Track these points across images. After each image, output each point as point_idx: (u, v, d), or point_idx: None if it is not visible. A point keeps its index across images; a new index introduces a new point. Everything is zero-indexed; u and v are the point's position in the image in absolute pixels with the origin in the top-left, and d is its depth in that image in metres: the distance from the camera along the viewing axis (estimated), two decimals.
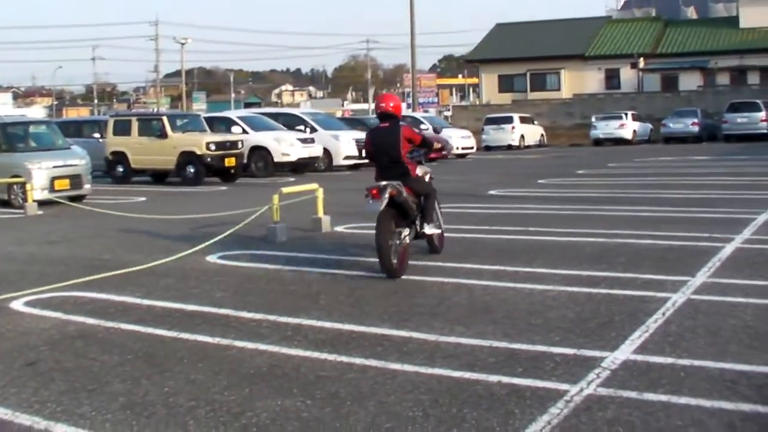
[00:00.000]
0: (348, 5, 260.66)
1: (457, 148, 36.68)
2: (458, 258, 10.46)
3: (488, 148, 46.53)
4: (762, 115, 44.52)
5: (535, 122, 52.23)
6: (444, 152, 12.17)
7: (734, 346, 6.30)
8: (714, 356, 6.04)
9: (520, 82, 68.52)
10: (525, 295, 8.26)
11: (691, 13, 74.09)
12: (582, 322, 7.13)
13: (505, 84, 69.37)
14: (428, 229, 10.29)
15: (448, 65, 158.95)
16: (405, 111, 59.81)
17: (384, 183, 9.74)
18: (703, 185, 19.49)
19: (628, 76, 65.15)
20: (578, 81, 66.16)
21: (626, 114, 50.07)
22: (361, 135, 30.25)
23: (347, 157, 29.60)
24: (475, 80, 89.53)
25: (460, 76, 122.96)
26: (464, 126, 49.59)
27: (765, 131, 44.23)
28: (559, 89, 66.68)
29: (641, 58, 64.39)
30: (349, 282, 9.22)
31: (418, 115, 44.21)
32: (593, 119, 51.04)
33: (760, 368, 5.74)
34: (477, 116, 60.40)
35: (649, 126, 51.46)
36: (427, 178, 10.79)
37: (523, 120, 49.17)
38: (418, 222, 10.24)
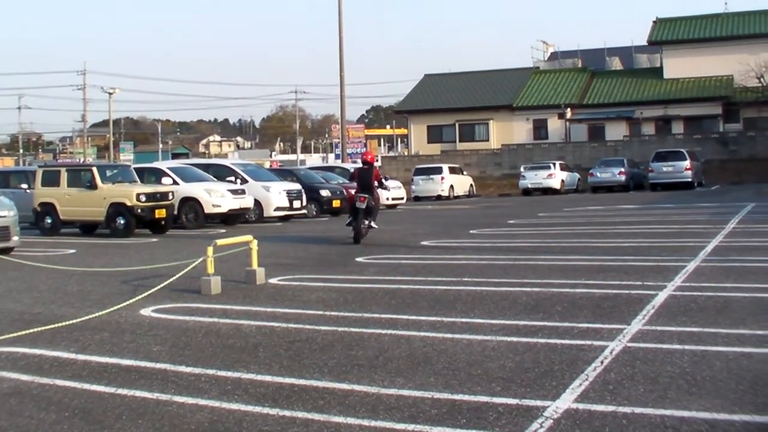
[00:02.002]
0: (276, 55, 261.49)
1: (387, 199, 36.88)
2: (395, 309, 10.47)
3: (417, 199, 46.81)
4: (686, 164, 45.39)
5: (464, 172, 52.72)
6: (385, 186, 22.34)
7: (673, 392, 6.35)
8: (654, 403, 6.09)
9: (449, 133, 69.16)
10: (464, 345, 8.26)
11: (616, 64, 75.53)
12: (522, 371, 7.15)
13: (434, 134, 70.01)
14: (373, 223, 20.60)
15: (377, 116, 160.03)
16: (333, 162, 60.68)
17: (367, 195, 20.04)
18: (632, 234, 19.76)
19: (555, 126, 66.17)
20: (506, 131, 67.03)
21: (554, 164, 50.68)
22: (292, 186, 30.41)
23: (278, 209, 29.58)
24: (403, 131, 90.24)
25: (388, 126, 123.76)
26: (393, 177, 49.85)
27: (690, 180, 45.14)
28: (487, 139, 67.47)
29: (568, 109, 65.46)
30: (287, 334, 9.16)
31: (348, 165, 44.32)
32: (522, 169, 51.61)
33: (699, 414, 5.80)
34: (406, 167, 60.92)
35: (577, 175, 52.22)
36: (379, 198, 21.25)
37: (452, 170, 49.55)
38: (371, 218, 20.35)
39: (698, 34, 66.68)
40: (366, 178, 20.58)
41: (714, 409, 5.89)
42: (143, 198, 24.19)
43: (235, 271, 13.93)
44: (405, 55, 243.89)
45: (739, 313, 9.36)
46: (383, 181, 21.86)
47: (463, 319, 9.58)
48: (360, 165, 21.94)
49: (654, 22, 69.87)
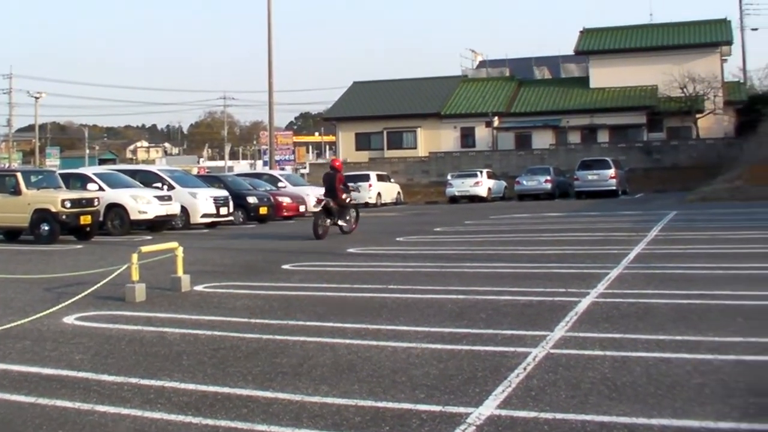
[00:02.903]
0: (204, 61, 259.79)
1: (315, 206, 36.92)
2: (321, 317, 10.46)
3: None
4: (611, 172, 46.02)
5: (392, 180, 52.88)
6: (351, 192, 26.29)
7: (594, 398, 6.43)
8: (575, 409, 6.16)
9: (377, 140, 69.25)
10: (389, 353, 8.29)
11: (543, 73, 76.18)
12: (446, 378, 7.19)
13: (362, 142, 70.05)
14: (340, 222, 23.91)
15: (305, 123, 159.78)
16: (261, 169, 60.45)
17: (325, 198, 23.41)
18: (557, 241, 19.97)
19: (482, 134, 66.57)
20: (434, 139, 67.29)
21: (481, 172, 51.01)
22: (219, 193, 30.27)
23: (205, 215, 29.44)
24: (332, 138, 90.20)
25: (316, 133, 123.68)
26: (321, 184, 49.76)
27: (614, 188, 45.77)
28: (415, 147, 67.68)
29: (496, 117, 65.92)
30: (212, 342, 9.11)
31: (276, 172, 44.25)
32: (449, 177, 51.84)
33: (619, 419, 5.88)
34: None
35: (504, 183, 52.59)
36: (347, 200, 24.47)
37: (379, 178, 49.70)
38: (336, 218, 23.69)
39: (624, 45, 67.68)
40: (330, 182, 24.08)
41: (633, 414, 5.98)
42: (68, 204, 23.89)
43: (161, 278, 13.81)
44: (334, 62, 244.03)
45: (659, 319, 9.51)
46: (348, 185, 25.28)
47: (389, 327, 9.61)
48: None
49: (581, 32, 70.76)
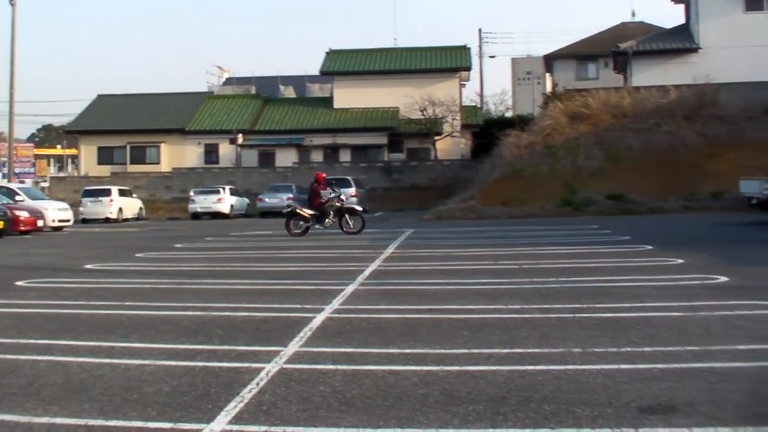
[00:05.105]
0: None
1: (54, 221, 36.16)
2: (54, 334, 10.22)
3: (86, 221, 45.80)
4: (352, 191, 46.92)
5: (134, 195, 52.08)
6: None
7: (324, 411, 6.60)
8: (306, 422, 6.31)
9: (120, 155, 67.90)
10: (122, 370, 8.20)
11: (289, 92, 76.74)
12: (179, 395, 7.19)
13: (105, 156, 68.50)
14: (317, 225, 28.13)
15: (48, 135, 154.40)
16: (1, 182, 58.28)
17: (295, 206, 29.70)
18: (296, 258, 20.18)
19: (226, 151, 66.37)
20: (178, 155, 66.60)
21: (224, 188, 50.96)
22: None
23: None
24: (74, 151, 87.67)
25: (59, 146, 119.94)
26: (62, 198, 48.60)
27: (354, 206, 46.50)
28: (158, 162, 66.79)
29: (240, 134, 65.87)
30: None
31: (14, 185, 42.76)
32: (191, 193, 51.53)
33: (348, 431, 6.08)
34: (75, 188, 59.30)
35: (247, 200, 52.74)
36: (327, 206, 28.23)
37: (121, 193, 48.95)
38: (313, 222, 28.15)
39: (368, 67, 69.14)
40: (309, 192, 29.40)
41: (361, 425, 6.19)
42: None
43: None
44: (79, 74, 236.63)
45: (390, 333, 9.82)
46: (321, 192, 28.84)
47: (123, 344, 9.49)
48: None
49: (327, 53, 71.73)
